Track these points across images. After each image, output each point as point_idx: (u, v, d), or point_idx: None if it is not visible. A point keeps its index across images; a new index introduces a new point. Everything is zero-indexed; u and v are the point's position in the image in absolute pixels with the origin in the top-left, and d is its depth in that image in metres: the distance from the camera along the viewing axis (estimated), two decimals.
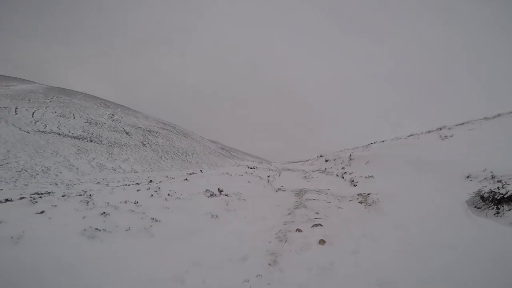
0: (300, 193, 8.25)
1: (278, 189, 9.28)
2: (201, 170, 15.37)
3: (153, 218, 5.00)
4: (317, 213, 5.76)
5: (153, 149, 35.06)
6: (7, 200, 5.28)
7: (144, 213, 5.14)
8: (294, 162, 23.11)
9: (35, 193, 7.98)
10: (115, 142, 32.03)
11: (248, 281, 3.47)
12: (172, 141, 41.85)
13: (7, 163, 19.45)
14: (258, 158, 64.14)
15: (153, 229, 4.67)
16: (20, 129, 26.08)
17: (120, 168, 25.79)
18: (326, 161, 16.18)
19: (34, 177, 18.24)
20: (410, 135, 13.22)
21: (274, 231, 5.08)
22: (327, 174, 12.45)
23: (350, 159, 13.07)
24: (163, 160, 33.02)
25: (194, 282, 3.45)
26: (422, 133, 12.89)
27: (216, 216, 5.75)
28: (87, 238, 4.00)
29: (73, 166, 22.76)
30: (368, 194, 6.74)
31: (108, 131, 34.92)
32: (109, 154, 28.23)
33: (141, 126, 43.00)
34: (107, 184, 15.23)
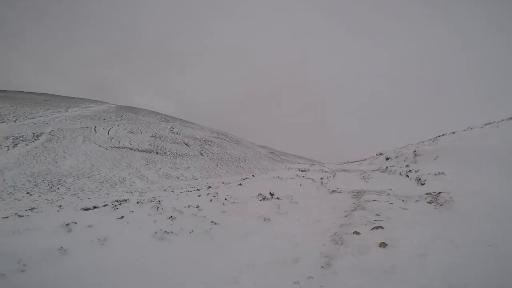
0: (358, 194, 7.82)
1: (333, 191, 8.94)
2: (253, 175, 15.75)
3: (213, 221, 5.33)
4: (378, 215, 5.38)
5: (209, 157, 37.27)
6: (94, 207, 6.25)
7: (204, 217, 5.52)
8: (350, 162, 21.98)
9: (115, 200, 9.24)
10: (176, 153, 35.02)
11: (298, 283, 3.42)
12: (226, 149, 43.85)
13: (92, 176, 22.93)
14: (309, 160, 62.77)
15: (212, 231, 4.98)
16: (100, 146, 30.51)
17: (183, 176, 28.07)
18: (387, 159, 14.99)
19: (113, 187, 21.13)
20: (486, 124, 11.40)
21: (328, 234, 4.90)
22: (388, 173, 11.53)
23: (415, 155, 11.88)
24: (219, 167, 34.81)
25: (247, 283, 3.56)
26: (502, 120, 10.99)
27: (268, 219, 5.83)
28: (158, 239, 4.48)
29: (144, 176, 25.64)
30: (439, 193, 6.03)
31: (170, 143, 38.38)
32: (172, 164, 31.00)
33: (197, 136, 46.15)
34: (172, 191, 16.72)
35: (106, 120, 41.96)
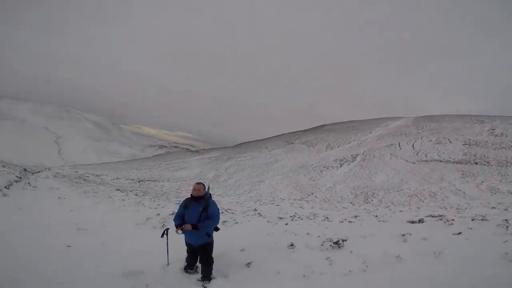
0: None
1: None
2: None
3: None
4: None
5: None
6: (420, 220, 6.16)
7: None
8: None
9: (429, 215, 8.51)
10: (506, 161, 26.09)
11: None
12: None
13: (401, 190, 23.35)
14: None
15: None
16: (406, 161, 30.68)
17: None
18: None
19: (422, 201, 19.89)
20: None
21: None
22: None
23: None
24: None
25: None
26: None
27: None
28: (509, 261, 3.35)
29: (459, 190, 21.69)
30: None
31: (493, 149, 29.60)
32: (501, 175, 23.40)
33: None
34: (505, 209, 12.35)
35: (407, 134, 42.01)
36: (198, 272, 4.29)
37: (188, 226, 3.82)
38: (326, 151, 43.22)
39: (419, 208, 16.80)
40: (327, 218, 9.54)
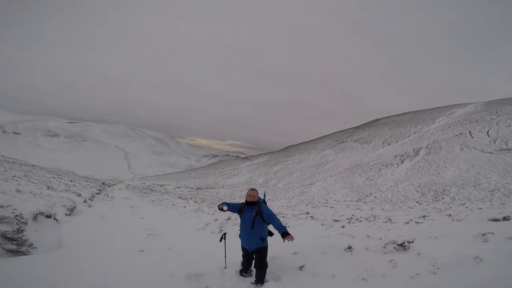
0: None
1: None
2: None
3: None
4: None
5: None
6: (504, 218, 5.34)
7: None
8: None
9: None
10: None
11: None
12: None
13: (479, 184, 20.27)
14: None
15: None
16: (482, 151, 26.63)
17: None
18: None
19: (508, 196, 16.92)
20: None
21: None
22: None
23: None
24: None
25: None
26: None
27: None
28: None
29: None
30: None
31: None
32: None
33: None
34: None
35: (478, 121, 36.56)
36: (252, 276, 4.42)
37: (291, 238, 3.92)
38: (383, 147, 40.10)
39: (503, 204, 14.40)
40: (389, 219, 8.85)
